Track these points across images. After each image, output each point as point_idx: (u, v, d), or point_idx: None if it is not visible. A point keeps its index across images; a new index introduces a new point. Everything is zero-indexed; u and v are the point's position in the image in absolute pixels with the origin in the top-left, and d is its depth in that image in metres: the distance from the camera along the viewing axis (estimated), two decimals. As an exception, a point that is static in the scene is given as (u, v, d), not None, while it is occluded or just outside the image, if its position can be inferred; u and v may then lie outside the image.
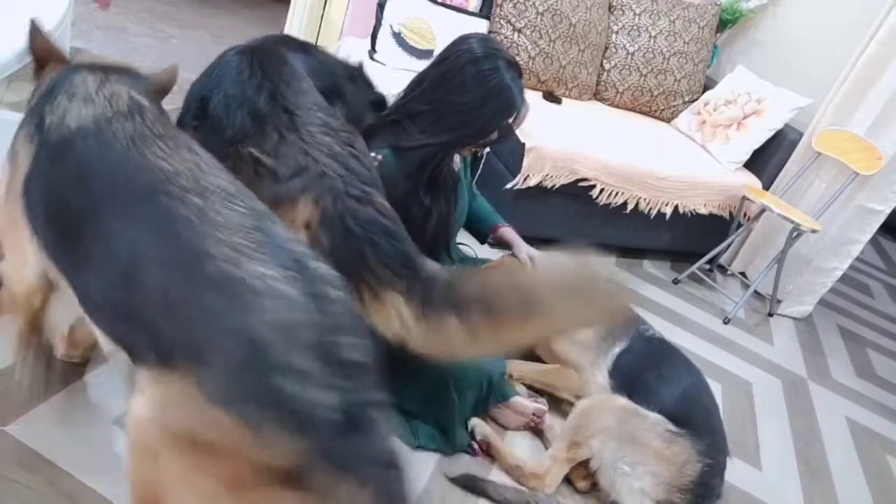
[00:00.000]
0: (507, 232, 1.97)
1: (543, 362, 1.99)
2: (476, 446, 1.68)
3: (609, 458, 1.59)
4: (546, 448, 1.78)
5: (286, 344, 0.71)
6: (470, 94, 1.50)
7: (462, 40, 1.56)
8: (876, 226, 2.99)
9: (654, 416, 1.65)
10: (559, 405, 1.94)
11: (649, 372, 1.82)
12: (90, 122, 0.92)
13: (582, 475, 1.67)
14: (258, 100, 1.32)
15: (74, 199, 0.88)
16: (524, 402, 1.79)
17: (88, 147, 0.89)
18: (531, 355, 2.03)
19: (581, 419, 1.63)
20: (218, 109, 1.35)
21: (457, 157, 1.75)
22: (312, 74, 1.50)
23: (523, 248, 1.94)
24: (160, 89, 1.21)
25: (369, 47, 2.91)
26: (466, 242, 2.14)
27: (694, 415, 1.71)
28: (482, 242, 2.06)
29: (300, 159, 1.24)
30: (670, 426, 1.63)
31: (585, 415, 1.63)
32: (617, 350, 1.87)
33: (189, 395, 0.71)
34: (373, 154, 1.50)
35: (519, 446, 1.77)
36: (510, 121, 1.58)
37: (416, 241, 1.57)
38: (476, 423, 1.67)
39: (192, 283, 0.75)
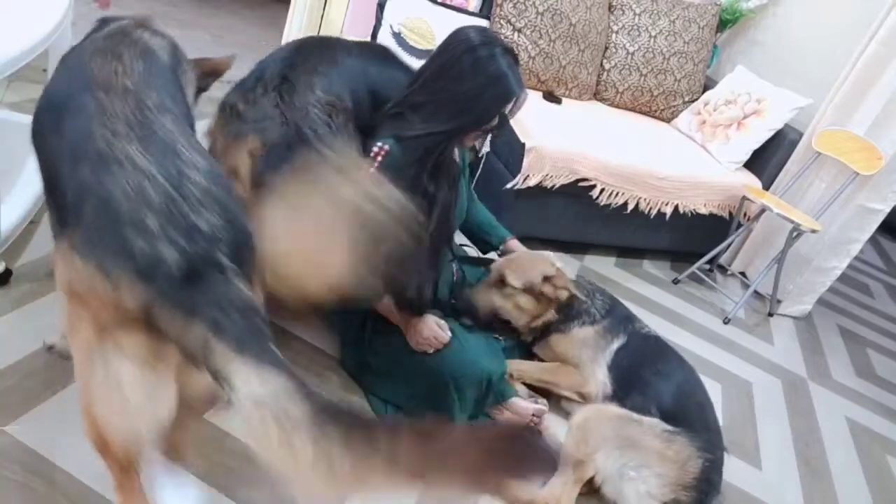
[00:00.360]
0: (517, 245, 2.04)
1: (543, 360, 1.99)
2: None
3: (614, 466, 1.58)
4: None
5: (136, 207, 0.85)
6: (468, 83, 1.51)
7: (459, 31, 1.58)
8: (875, 225, 2.99)
9: (649, 419, 1.66)
10: (558, 403, 1.94)
11: (646, 368, 1.85)
12: (84, 41, 1.16)
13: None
14: (272, 67, 1.55)
15: (51, 93, 1.09)
16: (524, 403, 1.79)
17: (70, 56, 1.13)
18: (530, 354, 2.03)
19: (579, 434, 1.62)
20: (252, 71, 1.60)
21: (455, 154, 1.75)
22: (380, 81, 1.67)
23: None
24: (213, 70, 1.43)
25: (369, 47, 2.91)
26: (468, 243, 2.14)
27: (689, 411, 1.73)
28: (485, 253, 2.07)
29: (269, 111, 1.44)
30: (666, 426, 1.64)
31: (582, 429, 1.63)
32: (615, 346, 1.90)
33: (66, 252, 0.87)
34: (380, 144, 1.52)
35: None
36: (509, 107, 1.58)
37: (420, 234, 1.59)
38: None
39: (78, 159, 0.91)
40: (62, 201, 0.91)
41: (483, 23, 3.00)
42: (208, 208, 0.88)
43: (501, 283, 1.89)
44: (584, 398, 1.89)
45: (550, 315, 1.94)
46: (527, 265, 1.92)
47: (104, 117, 0.93)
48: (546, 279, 1.90)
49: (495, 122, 1.59)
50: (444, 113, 1.54)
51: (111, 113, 0.94)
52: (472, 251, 2.18)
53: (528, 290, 1.89)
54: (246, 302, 0.87)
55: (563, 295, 1.92)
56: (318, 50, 1.65)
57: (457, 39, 1.55)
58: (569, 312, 1.94)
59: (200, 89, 1.39)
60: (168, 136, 0.95)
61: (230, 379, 0.79)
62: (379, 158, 1.51)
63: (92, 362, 0.87)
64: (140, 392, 0.86)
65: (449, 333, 1.67)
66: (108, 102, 0.96)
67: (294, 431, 0.75)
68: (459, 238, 2.07)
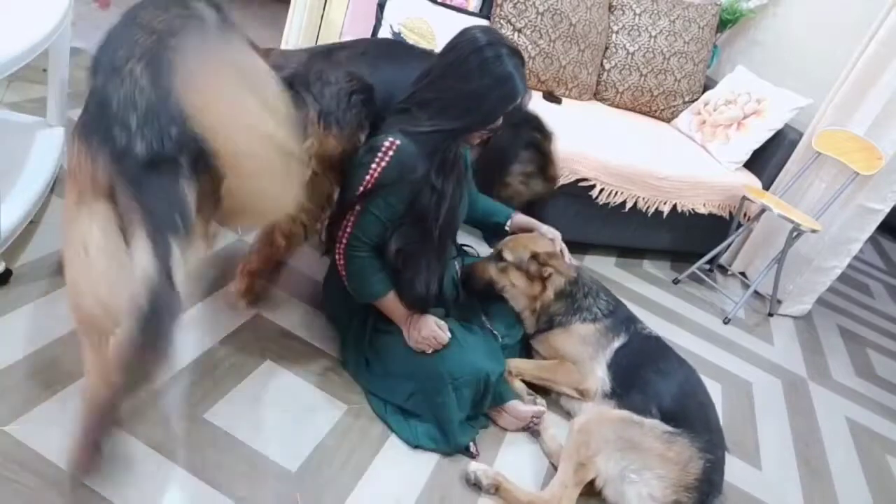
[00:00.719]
0: (523, 218, 2.06)
1: (543, 358, 1.99)
2: (474, 448, 1.68)
3: (615, 469, 1.58)
4: (543, 450, 1.79)
5: (125, 109, 1.07)
6: (475, 82, 1.52)
7: (466, 31, 1.60)
8: (875, 224, 2.99)
9: (650, 421, 1.66)
10: (557, 402, 1.95)
11: (647, 367, 1.85)
12: None
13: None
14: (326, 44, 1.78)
15: (109, 31, 1.26)
16: (522, 407, 1.79)
17: (132, 7, 1.29)
18: (529, 353, 2.03)
19: (580, 437, 1.62)
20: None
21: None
22: None
23: (544, 228, 2.04)
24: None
25: (369, 47, 2.91)
26: (469, 244, 2.14)
27: (690, 411, 1.73)
28: (494, 237, 2.06)
29: (280, 62, 1.61)
30: (667, 427, 1.64)
31: (584, 432, 1.62)
32: (616, 345, 1.90)
33: (73, 136, 1.09)
34: (391, 139, 1.52)
35: (518, 448, 1.78)
36: (514, 107, 1.59)
37: (429, 229, 1.59)
38: (477, 468, 1.60)
39: (99, 70, 1.12)
40: (88, 100, 1.13)
41: (483, 23, 3.00)
42: (184, 122, 1.06)
43: (500, 257, 1.94)
44: (583, 395, 1.89)
45: (549, 301, 1.95)
46: (525, 243, 1.96)
47: (131, 45, 1.14)
48: (533, 256, 1.91)
49: (500, 121, 1.60)
50: (450, 111, 1.55)
51: (136, 43, 1.14)
52: (473, 251, 2.18)
53: (518, 266, 1.93)
54: (180, 201, 1.09)
55: (551, 275, 1.93)
56: (377, 44, 1.75)
57: (464, 39, 1.57)
58: (570, 306, 1.95)
59: None
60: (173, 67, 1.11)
61: (132, 243, 1.05)
62: (391, 153, 1.52)
63: (71, 223, 1.07)
64: (103, 255, 1.06)
65: (448, 334, 1.68)
66: (139, 36, 1.16)
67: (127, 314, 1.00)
68: (461, 238, 2.07)
